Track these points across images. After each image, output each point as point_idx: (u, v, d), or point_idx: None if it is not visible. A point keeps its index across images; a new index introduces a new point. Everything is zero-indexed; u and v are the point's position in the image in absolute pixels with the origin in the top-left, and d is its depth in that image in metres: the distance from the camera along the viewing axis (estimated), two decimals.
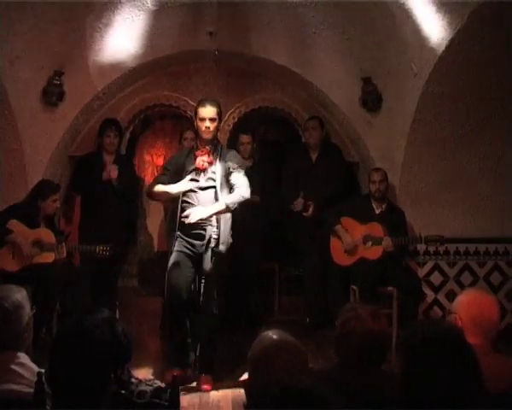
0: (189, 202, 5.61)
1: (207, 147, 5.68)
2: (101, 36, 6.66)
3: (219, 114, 5.72)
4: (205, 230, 5.57)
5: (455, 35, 5.93)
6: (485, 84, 6.54)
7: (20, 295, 3.15)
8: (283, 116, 8.05)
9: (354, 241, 6.76)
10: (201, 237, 5.58)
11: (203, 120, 5.61)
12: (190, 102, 7.66)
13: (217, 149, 5.74)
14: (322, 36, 6.77)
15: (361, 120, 7.30)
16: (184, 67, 7.65)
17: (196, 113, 5.71)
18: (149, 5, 6.45)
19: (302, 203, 7.22)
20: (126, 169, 7.37)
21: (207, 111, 5.62)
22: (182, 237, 5.65)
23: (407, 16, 6.08)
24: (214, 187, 5.62)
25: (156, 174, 9.37)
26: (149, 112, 8.15)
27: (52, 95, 6.86)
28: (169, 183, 5.71)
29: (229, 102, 7.70)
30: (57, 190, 6.63)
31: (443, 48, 6.08)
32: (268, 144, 9.34)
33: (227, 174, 5.65)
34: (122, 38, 6.77)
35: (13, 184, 6.85)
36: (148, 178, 9.73)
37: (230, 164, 5.66)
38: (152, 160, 9.90)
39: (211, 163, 5.66)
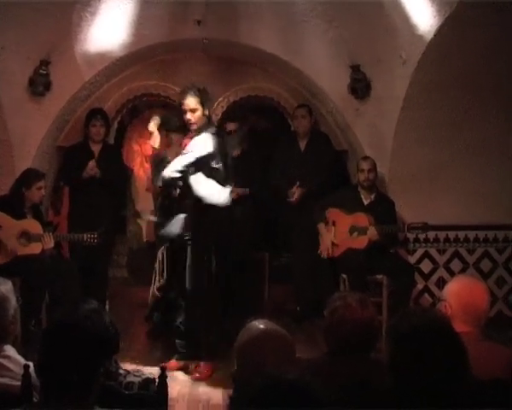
0: None
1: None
2: (88, 25, 6.61)
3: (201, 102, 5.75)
4: None
5: (444, 22, 5.92)
6: (475, 71, 6.54)
7: (4, 287, 3.12)
8: (272, 105, 8.02)
9: (335, 238, 6.75)
10: None
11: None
12: (179, 91, 7.61)
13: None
14: (311, 24, 6.73)
15: (350, 108, 7.27)
16: (172, 55, 7.60)
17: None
18: None
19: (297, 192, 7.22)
20: (114, 159, 7.35)
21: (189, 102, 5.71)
22: None
23: (396, 4, 6.06)
24: None
25: (145, 163, 9.38)
26: (137, 101, 8.11)
27: (39, 85, 6.79)
28: None
29: (218, 90, 7.65)
30: (42, 178, 6.57)
31: (432, 35, 6.07)
32: (257, 133, 9.31)
33: None
34: (109, 27, 6.71)
35: (1, 175, 6.80)
36: (137, 168, 9.71)
37: None
38: (140, 149, 9.86)
39: None
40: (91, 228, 6.58)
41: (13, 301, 3.14)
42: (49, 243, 6.37)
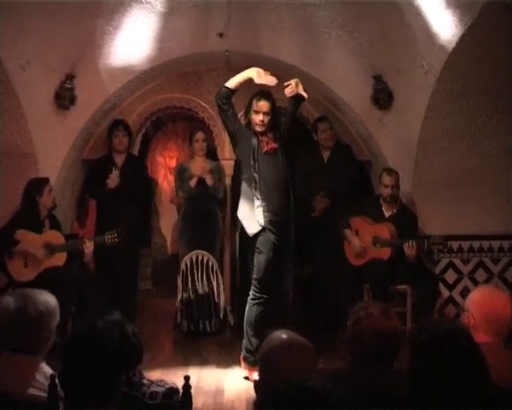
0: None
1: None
2: (111, 39, 6.67)
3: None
4: None
5: (465, 31, 5.92)
6: (496, 80, 6.51)
7: (54, 300, 3.16)
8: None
9: (362, 244, 6.71)
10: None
11: (257, 113, 5.92)
12: (202, 103, 7.68)
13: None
14: (332, 35, 6.75)
15: (372, 118, 7.27)
16: (195, 68, 7.66)
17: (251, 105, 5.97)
18: (159, 7, 6.45)
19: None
20: (138, 169, 7.41)
21: (262, 105, 5.92)
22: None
23: (417, 13, 6.06)
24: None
25: (169, 175, 9.44)
26: (161, 114, 8.17)
27: (64, 99, 6.86)
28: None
29: (240, 101, 7.68)
30: (48, 181, 6.69)
31: (453, 44, 6.07)
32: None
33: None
34: (132, 41, 6.77)
35: None
36: (161, 180, 9.76)
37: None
38: (164, 161, 9.91)
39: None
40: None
41: (58, 316, 3.17)
42: (91, 246, 6.49)
